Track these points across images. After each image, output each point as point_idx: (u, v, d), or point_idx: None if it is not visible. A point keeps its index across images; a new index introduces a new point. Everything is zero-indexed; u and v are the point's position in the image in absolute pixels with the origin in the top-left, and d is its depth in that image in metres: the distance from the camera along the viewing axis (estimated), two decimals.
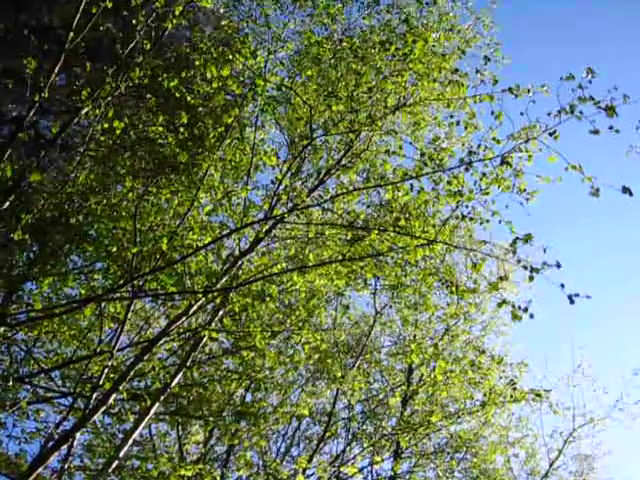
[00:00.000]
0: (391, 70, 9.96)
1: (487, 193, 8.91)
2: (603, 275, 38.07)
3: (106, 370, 10.73)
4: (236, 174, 12.19)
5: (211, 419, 14.84)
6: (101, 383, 10.59)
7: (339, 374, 15.11)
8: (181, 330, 12.12)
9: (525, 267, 7.82)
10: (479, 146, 8.55)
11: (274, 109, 11.65)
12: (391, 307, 15.76)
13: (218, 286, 11.27)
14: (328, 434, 15.95)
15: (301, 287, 12.22)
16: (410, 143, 10.90)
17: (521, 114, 8.54)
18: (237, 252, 11.62)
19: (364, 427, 16.86)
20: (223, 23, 11.66)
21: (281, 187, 10.43)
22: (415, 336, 15.07)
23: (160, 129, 10.19)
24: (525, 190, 8.72)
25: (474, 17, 13.76)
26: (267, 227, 9.94)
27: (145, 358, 11.48)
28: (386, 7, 11.91)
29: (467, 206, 8.86)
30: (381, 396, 17.13)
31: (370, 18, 12.47)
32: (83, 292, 12.13)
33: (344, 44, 10.84)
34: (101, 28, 10.09)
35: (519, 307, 7.85)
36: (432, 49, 10.08)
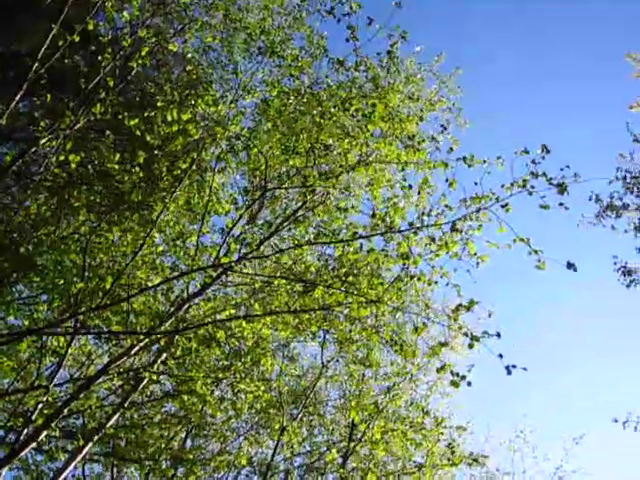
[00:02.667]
0: (352, 128, 10.09)
1: (437, 255, 8.98)
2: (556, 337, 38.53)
3: (40, 405, 10.44)
4: (192, 217, 12.16)
5: (147, 463, 14.47)
6: (34, 418, 10.29)
7: (281, 425, 14.93)
8: (122, 369, 11.88)
9: (466, 334, 7.86)
10: (430, 211, 8.64)
11: (236, 154, 11.70)
12: (338, 361, 15.69)
13: (163, 328, 11.12)
14: None
15: (248, 334, 12.12)
16: (368, 199, 11.01)
17: (475, 184, 8.66)
18: (185, 295, 11.49)
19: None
20: (189, 68, 11.70)
21: (234, 233, 10.43)
22: (360, 392, 14.98)
23: (117, 166, 10.12)
24: (475, 254, 8.81)
25: (439, 81, 14.06)
26: (216, 273, 9.87)
27: (82, 396, 11.23)
28: (354, 64, 12.06)
29: (416, 267, 8.90)
30: (323, 450, 16.92)
31: (339, 74, 12.61)
32: (27, 323, 11.89)
33: (308, 97, 10.95)
34: (66, 61, 10.04)
35: (457, 374, 7.86)
36: (392, 113, 10.22)
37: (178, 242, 12.18)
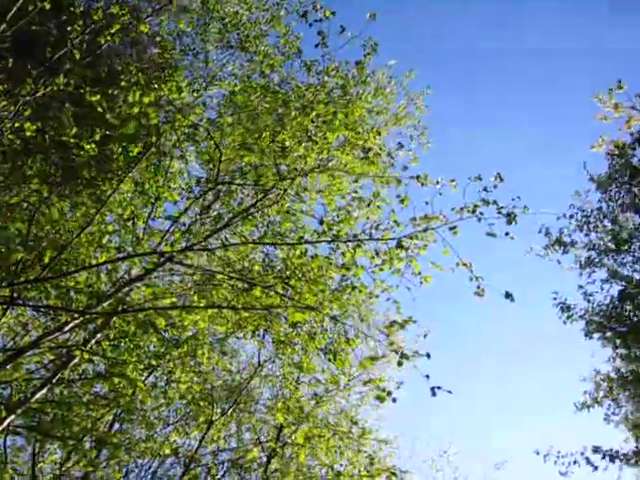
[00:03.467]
0: (314, 132, 10.11)
1: (381, 270, 9.05)
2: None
3: None
4: (145, 200, 12.05)
5: (71, 442, 14.27)
6: None
7: (210, 418, 14.88)
8: (54, 344, 11.73)
9: (396, 352, 7.92)
10: (379, 225, 8.70)
11: (195, 143, 11.64)
12: (274, 362, 15.69)
13: (100, 308, 11.00)
14: (187, 477, 15.57)
15: (188, 325, 12.06)
16: (322, 204, 11.04)
17: (426, 203, 8.76)
18: (128, 278, 11.40)
19: (227, 477, 16.58)
20: (158, 50, 11.62)
21: (186, 222, 10.39)
22: (290, 395, 14.99)
23: (73, 140, 9.98)
24: (419, 273, 8.90)
25: (408, 97, 14.15)
26: (159, 261, 9.80)
27: (9, 367, 11.05)
28: (325, 69, 12.07)
29: (357, 279, 8.96)
30: (249, 448, 16.88)
31: (309, 76, 12.59)
32: None
33: (272, 96, 10.94)
34: (35, 27, 9.90)
35: (384, 389, 7.94)
36: (354, 123, 10.26)
37: (128, 223, 12.09)
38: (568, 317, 19.50)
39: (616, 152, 20.23)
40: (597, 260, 20.46)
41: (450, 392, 7.51)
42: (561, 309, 19.69)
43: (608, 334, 18.94)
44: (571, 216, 20.51)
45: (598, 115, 20.54)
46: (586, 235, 20.54)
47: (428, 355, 7.82)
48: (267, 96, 11.23)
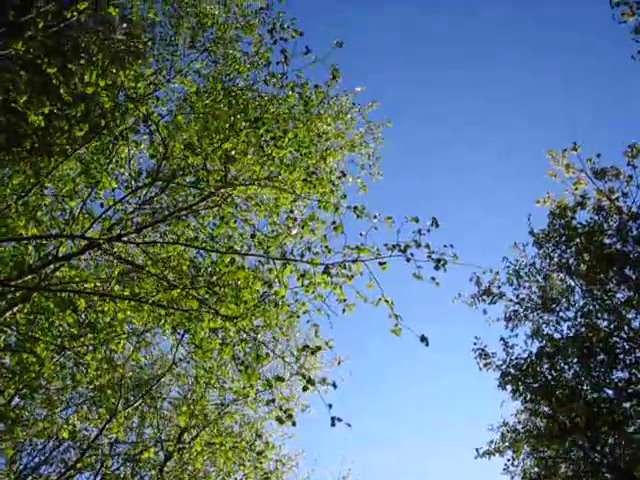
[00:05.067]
0: (264, 145, 10.14)
1: (306, 291, 9.09)
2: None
3: None
4: (86, 180, 11.88)
5: None
6: None
7: (114, 408, 14.64)
8: None
9: (303, 376, 7.96)
10: (309, 247, 8.76)
11: (149, 134, 11.53)
12: (188, 362, 15.56)
13: (21, 281, 10.78)
14: (80, 464, 15.29)
15: (108, 310, 11.90)
16: (271, 214, 11.03)
17: (360, 234, 8.84)
18: (55, 254, 11.19)
19: (121, 470, 16.33)
20: (119, 36, 11.50)
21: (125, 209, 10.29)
22: (198, 398, 14.86)
23: (21, 106, 9.79)
24: (344, 300, 8.97)
25: (367, 126, 14.34)
26: (87, 245, 9.66)
27: None
28: (292, 83, 12.10)
29: (279, 297, 8.99)
30: (150, 444, 16.65)
31: (274, 87, 12.62)
32: None
33: (224, 100, 10.93)
34: None
35: (285, 411, 7.95)
36: (301, 145, 10.31)
37: (66, 199, 11.89)
38: (485, 364, 19.85)
39: (558, 211, 20.73)
40: (523, 315, 20.90)
41: (349, 425, 7.58)
42: (479, 355, 20.03)
43: (521, 388, 19.29)
44: (506, 267, 20.93)
45: (549, 171, 21.10)
46: (515, 289, 20.98)
47: (334, 385, 7.88)
48: (227, 99, 11.21)
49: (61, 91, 9.71)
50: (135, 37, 11.54)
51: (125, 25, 11.89)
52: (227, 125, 10.16)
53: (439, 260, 8.88)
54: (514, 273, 20.86)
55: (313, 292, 8.71)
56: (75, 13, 9.09)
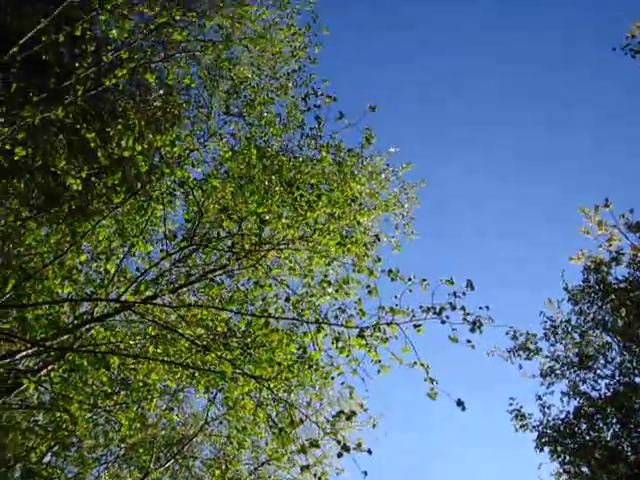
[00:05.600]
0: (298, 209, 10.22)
1: (340, 353, 9.03)
2: None
3: None
4: (122, 240, 12.04)
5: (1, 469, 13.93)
6: None
7: (146, 468, 14.58)
8: (2, 368, 11.52)
9: (338, 442, 7.86)
10: (344, 310, 8.74)
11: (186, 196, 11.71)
12: (221, 423, 15.44)
13: (58, 340, 10.87)
14: None
15: (141, 371, 11.93)
16: (305, 276, 11.04)
17: (395, 297, 8.80)
18: (89, 316, 11.29)
19: None
20: (158, 100, 11.73)
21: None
22: (231, 459, 14.71)
23: (60, 169, 10.01)
24: (379, 361, 8.89)
25: (401, 187, 14.41)
26: (121, 307, 9.74)
27: None
28: (325, 145, 12.23)
29: (313, 362, 8.95)
30: None
31: (308, 148, 12.73)
32: None
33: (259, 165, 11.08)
34: (47, 57, 10.02)
35: (319, 477, 7.86)
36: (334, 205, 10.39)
37: (101, 257, 12.05)
38: (521, 426, 19.43)
39: (592, 267, 20.49)
40: (559, 372, 20.52)
41: None
42: (515, 416, 19.63)
43: (559, 449, 18.83)
44: (542, 322, 20.65)
45: (581, 228, 20.94)
46: (552, 345, 20.66)
47: (369, 451, 7.77)
48: (261, 162, 11.37)
49: (99, 154, 9.91)
50: (171, 102, 11.77)
51: (162, 90, 12.15)
52: (262, 188, 10.27)
53: (474, 322, 8.79)
54: (550, 329, 20.58)
55: (348, 355, 8.66)
56: (114, 80, 9.33)
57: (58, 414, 12.16)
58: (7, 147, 9.32)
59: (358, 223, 10.98)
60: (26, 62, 10.61)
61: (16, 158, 9.42)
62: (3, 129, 9.55)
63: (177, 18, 10.19)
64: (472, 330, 8.78)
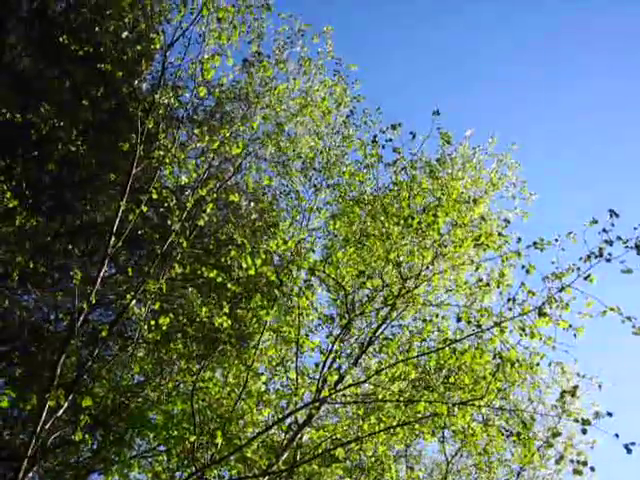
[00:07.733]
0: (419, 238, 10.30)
1: (533, 337, 8.88)
2: None
3: None
4: (288, 343, 12.38)
5: None
6: None
7: None
8: None
9: (576, 420, 7.68)
10: (514, 300, 8.64)
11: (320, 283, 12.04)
12: (462, 455, 15.28)
13: (281, 462, 11.20)
14: None
15: (367, 450, 12.04)
16: (455, 305, 11.01)
17: (552, 262, 8.66)
18: (295, 426, 11.62)
19: None
20: (254, 216, 12.14)
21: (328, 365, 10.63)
22: None
23: (205, 316, 10.50)
24: (570, 326, 8.70)
25: (497, 160, 14.20)
26: (319, 404, 10.01)
27: None
28: (410, 162, 12.29)
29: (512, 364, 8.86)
30: None
31: (397, 176, 12.82)
32: (149, 475, 12.23)
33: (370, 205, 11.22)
34: (141, 232, 10.64)
35: (579, 462, 7.66)
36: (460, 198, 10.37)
37: (279, 368, 12.41)
38: None
39: None
40: None
41: None
42: None
43: None
44: None
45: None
46: None
47: (609, 414, 7.54)
48: (358, 211, 11.58)
49: (229, 286, 10.31)
50: (267, 212, 12.33)
51: (251, 203, 12.70)
52: (384, 234, 10.42)
53: (638, 245, 8.47)
54: None
55: (541, 338, 8.53)
56: (206, 218, 9.81)
57: None
58: (152, 322, 9.88)
59: (482, 218, 10.92)
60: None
61: (164, 328, 9.95)
62: (141, 310, 10.16)
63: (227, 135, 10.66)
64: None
